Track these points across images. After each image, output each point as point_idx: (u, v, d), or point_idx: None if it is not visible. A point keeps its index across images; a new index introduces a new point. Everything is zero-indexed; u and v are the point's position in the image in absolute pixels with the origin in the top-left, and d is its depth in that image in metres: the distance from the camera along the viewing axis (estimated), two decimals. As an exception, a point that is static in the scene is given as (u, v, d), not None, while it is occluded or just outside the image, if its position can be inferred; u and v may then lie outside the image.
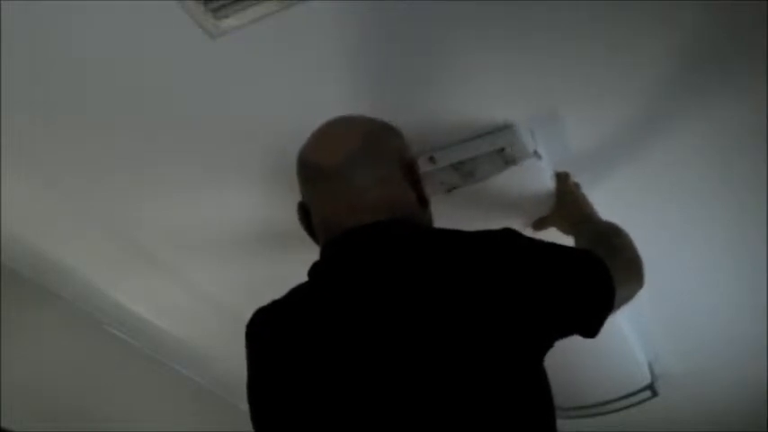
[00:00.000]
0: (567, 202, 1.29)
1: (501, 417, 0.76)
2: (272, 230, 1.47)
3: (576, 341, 0.89)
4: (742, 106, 1.23)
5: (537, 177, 1.28)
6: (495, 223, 1.29)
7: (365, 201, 0.92)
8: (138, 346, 1.84)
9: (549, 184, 1.30)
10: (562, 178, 1.31)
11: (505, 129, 1.23)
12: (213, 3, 0.99)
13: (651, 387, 1.91)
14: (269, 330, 0.91)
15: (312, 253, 0.97)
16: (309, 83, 1.17)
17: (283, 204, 1.31)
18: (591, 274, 0.89)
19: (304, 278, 0.96)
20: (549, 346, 0.84)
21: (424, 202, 0.99)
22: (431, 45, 1.09)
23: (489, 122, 1.23)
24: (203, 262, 1.61)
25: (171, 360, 1.92)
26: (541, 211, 1.34)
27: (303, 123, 1.25)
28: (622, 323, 1.59)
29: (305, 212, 0.99)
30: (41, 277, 1.61)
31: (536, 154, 1.24)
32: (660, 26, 1.07)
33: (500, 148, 1.22)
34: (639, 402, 1.94)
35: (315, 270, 0.93)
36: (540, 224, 1.35)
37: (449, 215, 1.25)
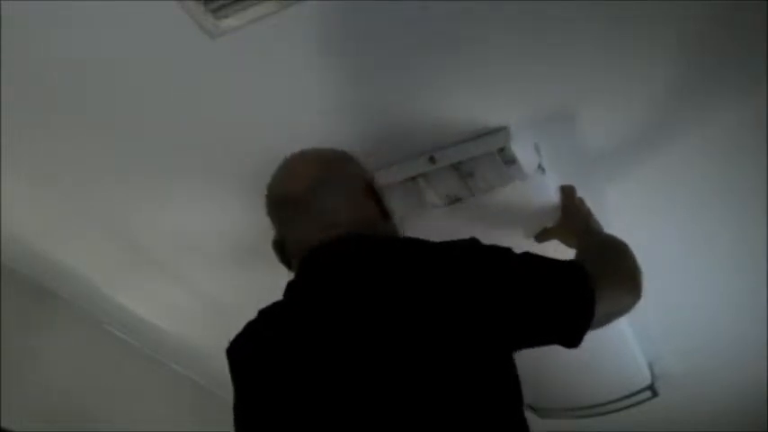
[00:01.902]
0: (571, 215, 1.29)
1: (467, 416, 0.77)
2: (272, 231, 1.47)
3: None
4: (745, 108, 1.23)
5: (541, 192, 1.29)
6: (498, 238, 1.32)
7: (332, 219, 0.97)
8: (138, 346, 1.84)
9: (553, 198, 1.30)
10: (567, 192, 1.30)
11: (502, 129, 1.23)
12: (213, 3, 0.99)
13: (651, 387, 1.91)
14: (247, 352, 0.92)
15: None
16: (309, 83, 1.17)
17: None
18: (562, 283, 0.88)
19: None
20: (515, 349, 0.85)
21: (386, 215, 1.05)
22: (432, 46, 1.09)
23: (488, 123, 1.23)
24: (203, 262, 1.61)
25: (171, 360, 1.92)
26: (545, 223, 1.34)
27: (303, 123, 1.26)
28: (623, 323, 1.59)
29: (280, 247, 1.03)
30: (41, 277, 1.61)
31: (540, 168, 1.24)
32: (664, 28, 1.07)
33: (499, 147, 1.22)
34: (640, 402, 1.94)
35: (288, 288, 0.96)
36: (543, 235, 1.35)
37: (451, 229, 1.26)
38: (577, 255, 1.13)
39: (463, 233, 1.21)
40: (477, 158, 1.25)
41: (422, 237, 1.17)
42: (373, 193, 1.04)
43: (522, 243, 1.31)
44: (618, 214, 1.29)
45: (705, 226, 1.51)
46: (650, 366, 1.91)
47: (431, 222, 1.30)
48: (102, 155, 1.30)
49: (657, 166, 1.37)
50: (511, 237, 1.32)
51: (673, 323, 1.80)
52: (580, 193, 1.32)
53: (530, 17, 1.05)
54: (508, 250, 0.90)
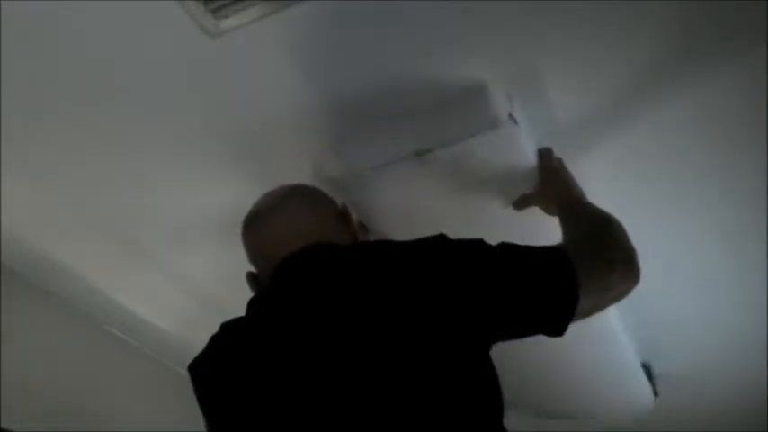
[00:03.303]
0: (550, 180, 1.21)
1: (445, 418, 0.76)
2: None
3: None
4: (731, 84, 1.21)
5: (514, 145, 1.19)
6: (473, 198, 1.27)
7: (300, 231, 0.97)
8: (138, 346, 1.84)
9: (529, 155, 1.22)
10: (545, 154, 1.24)
11: (480, 88, 1.19)
12: (213, 3, 1.00)
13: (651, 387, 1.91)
14: (213, 369, 0.89)
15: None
16: (309, 83, 1.17)
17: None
18: (541, 271, 0.85)
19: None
20: (497, 340, 0.84)
21: (356, 239, 1.06)
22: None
23: (465, 82, 1.20)
24: (204, 262, 1.61)
25: (171, 360, 1.92)
26: (522, 188, 1.25)
27: (303, 123, 1.26)
28: (616, 324, 1.58)
29: (254, 279, 1.03)
30: (41, 277, 1.61)
31: (511, 118, 1.16)
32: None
33: (476, 108, 1.19)
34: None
35: (251, 303, 0.94)
36: (521, 203, 1.26)
37: (422, 185, 1.24)
38: (563, 228, 1.08)
39: (435, 191, 1.20)
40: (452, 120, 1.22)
41: (392, 194, 1.18)
42: (345, 219, 1.06)
43: (500, 213, 1.28)
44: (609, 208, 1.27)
45: (706, 225, 1.51)
46: (650, 366, 1.91)
47: (400, 179, 1.25)
48: (103, 155, 1.30)
49: (649, 154, 1.36)
50: (489, 206, 1.28)
51: (672, 323, 1.80)
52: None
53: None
54: (480, 242, 0.87)
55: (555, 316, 0.84)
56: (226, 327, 0.92)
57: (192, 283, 1.67)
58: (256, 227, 1.02)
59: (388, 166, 1.23)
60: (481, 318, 0.81)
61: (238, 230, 1.09)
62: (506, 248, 0.87)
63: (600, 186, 1.37)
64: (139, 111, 1.21)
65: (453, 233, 0.91)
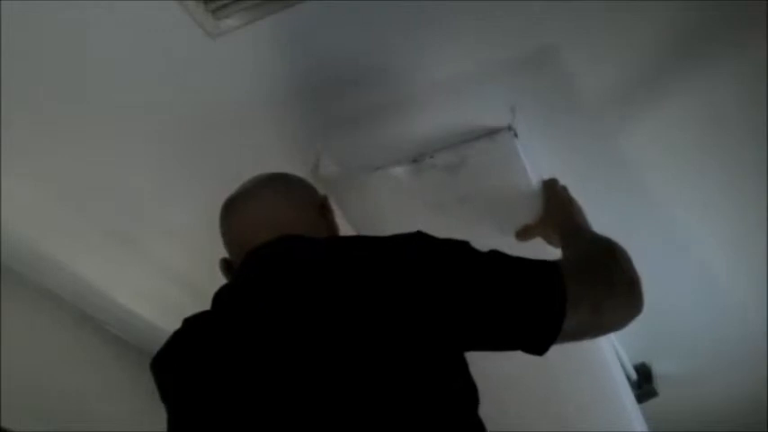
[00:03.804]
0: (554, 209, 1.18)
1: (415, 419, 0.72)
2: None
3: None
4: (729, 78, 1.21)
5: (511, 158, 1.18)
6: (468, 210, 1.24)
7: (270, 219, 0.93)
8: (137, 346, 1.84)
9: (528, 170, 1.20)
10: (549, 184, 1.22)
11: (502, 130, 1.19)
12: (213, 3, 1.00)
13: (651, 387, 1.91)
14: (175, 365, 0.86)
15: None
16: (309, 83, 1.17)
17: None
18: (526, 284, 0.78)
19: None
20: (470, 350, 0.79)
21: (334, 231, 1.02)
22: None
23: (488, 125, 1.20)
24: (205, 262, 1.61)
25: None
26: (519, 204, 1.23)
27: (302, 121, 1.26)
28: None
29: (226, 267, 0.99)
30: (41, 277, 1.61)
31: (510, 129, 1.14)
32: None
33: (475, 117, 1.18)
34: (639, 402, 1.93)
35: (217, 294, 0.91)
36: (524, 233, 1.23)
37: (418, 192, 1.22)
38: (564, 256, 1.02)
39: (430, 199, 1.18)
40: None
41: (386, 198, 1.16)
42: (324, 210, 1.02)
43: (496, 226, 1.26)
44: (610, 213, 1.26)
45: (705, 224, 1.50)
46: (650, 367, 1.91)
47: (395, 184, 1.24)
48: (103, 155, 1.30)
49: (650, 158, 1.36)
50: (484, 219, 1.26)
51: (672, 323, 1.80)
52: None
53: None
54: (464, 244, 0.82)
55: (536, 332, 0.78)
56: (188, 322, 0.89)
57: (192, 284, 1.66)
58: (231, 212, 0.99)
59: (385, 169, 1.23)
60: (452, 321, 0.76)
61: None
62: (494, 255, 0.82)
63: (600, 187, 1.37)
64: (139, 111, 1.21)
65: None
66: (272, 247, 0.88)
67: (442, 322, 0.75)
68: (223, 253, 1.01)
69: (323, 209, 1.02)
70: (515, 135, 1.16)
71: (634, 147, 1.32)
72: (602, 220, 1.21)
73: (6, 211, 1.39)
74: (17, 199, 1.37)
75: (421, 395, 0.73)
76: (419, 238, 0.82)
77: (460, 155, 1.20)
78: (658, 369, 1.95)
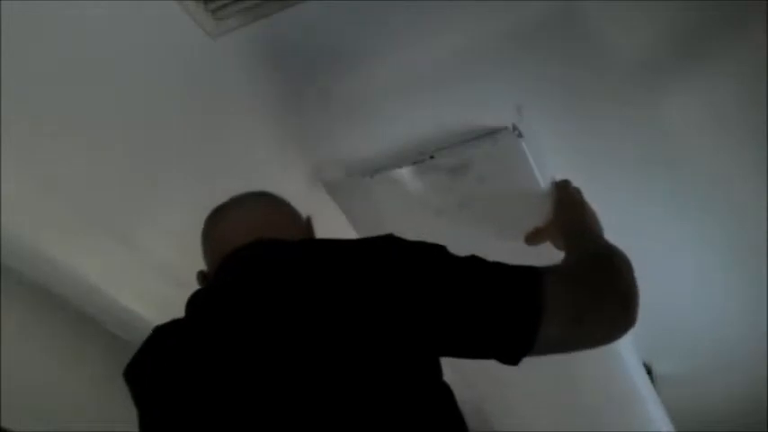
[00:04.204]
0: (564, 212, 1.14)
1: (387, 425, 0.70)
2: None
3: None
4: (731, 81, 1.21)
5: (517, 159, 1.15)
6: (473, 212, 1.23)
7: (250, 226, 0.91)
8: (137, 345, 1.83)
9: (535, 171, 1.18)
10: (561, 185, 1.19)
11: (502, 130, 1.18)
12: (213, 3, 1.00)
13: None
14: (147, 373, 0.85)
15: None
16: (309, 83, 1.17)
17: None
18: (499, 289, 0.75)
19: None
20: (441, 354, 0.76)
21: None
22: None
23: (488, 125, 1.21)
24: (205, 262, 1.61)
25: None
26: (526, 206, 1.20)
27: (302, 122, 1.26)
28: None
29: (203, 277, 0.97)
30: (41, 277, 1.61)
31: (515, 129, 1.12)
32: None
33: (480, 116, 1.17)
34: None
35: (190, 300, 0.88)
36: (533, 237, 1.19)
37: (422, 195, 1.21)
38: (559, 261, 0.94)
39: (435, 201, 1.16)
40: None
41: (390, 201, 1.15)
42: (307, 231, 0.99)
43: (501, 229, 1.24)
44: (611, 214, 1.26)
45: (705, 225, 1.50)
46: (650, 366, 1.91)
47: (399, 186, 1.22)
48: (103, 155, 1.30)
49: (652, 163, 1.36)
50: (489, 221, 1.24)
51: (672, 323, 1.80)
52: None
53: None
54: (439, 248, 0.79)
55: (508, 342, 0.74)
56: (158, 330, 0.87)
57: (192, 284, 1.66)
58: (212, 222, 0.98)
59: (387, 172, 1.21)
60: (420, 326, 0.73)
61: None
62: (470, 260, 0.78)
63: (600, 187, 1.37)
64: (139, 111, 1.21)
65: (449, 246, 0.81)
66: (248, 249, 0.86)
67: (410, 326, 0.73)
68: None
69: (306, 230, 1.00)
70: (520, 135, 1.14)
71: (635, 147, 1.32)
72: (602, 221, 1.22)
73: (6, 210, 1.39)
74: (17, 198, 1.37)
75: (389, 398, 0.71)
76: (391, 241, 0.79)
77: (464, 156, 1.17)
78: (658, 369, 1.95)
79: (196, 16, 1.01)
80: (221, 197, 1.41)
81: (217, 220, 0.98)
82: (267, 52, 1.10)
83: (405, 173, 1.23)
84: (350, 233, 1.36)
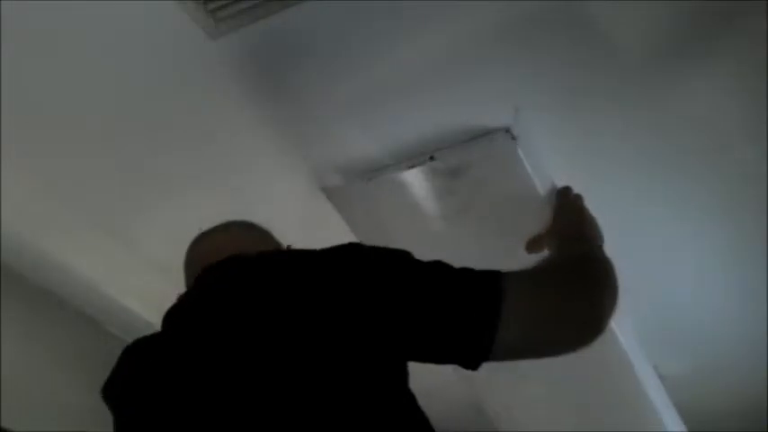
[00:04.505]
0: (561, 214, 1.14)
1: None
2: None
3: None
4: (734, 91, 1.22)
5: (512, 161, 1.15)
6: (471, 215, 1.23)
7: (227, 245, 0.92)
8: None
9: (532, 174, 1.18)
10: (562, 191, 1.18)
11: (501, 131, 1.19)
12: (213, 3, 0.99)
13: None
14: (120, 391, 0.87)
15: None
16: (309, 83, 1.17)
17: (288, 205, 1.31)
18: (457, 293, 0.74)
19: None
20: (404, 359, 0.76)
21: None
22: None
23: (487, 125, 1.21)
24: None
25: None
26: (523, 209, 1.19)
27: (302, 122, 1.26)
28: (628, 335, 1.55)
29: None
30: (41, 277, 1.61)
31: (509, 132, 1.11)
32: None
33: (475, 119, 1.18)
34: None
35: (164, 317, 0.90)
36: (533, 244, 1.17)
37: (419, 198, 1.21)
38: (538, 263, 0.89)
39: (432, 205, 1.15)
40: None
41: (388, 205, 1.15)
42: (275, 247, 1.00)
43: (498, 233, 1.24)
44: (613, 214, 1.25)
45: (704, 226, 1.50)
46: (655, 368, 1.91)
47: (397, 190, 1.23)
48: (103, 155, 1.30)
49: (653, 165, 1.36)
50: (487, 225, 1.25)
51: (673, 324, 1.80)
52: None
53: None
54: (402, 255, 0.79)
55: (465, 347, 0.74)
56: (131, 347, 0.90)
57: (192, 283, 1.66)
58: (188, 251, 1.01)
59: (385, 177, 1.22)
60: (380, 333, 0.73)
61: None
62: (432, 266, 0.78)
63: (601, 186, 1.37)
64: (139, 111, 1.21)
65: (448, 249, 0.82)
66: (215, 266, 0.86)
67: (371, 332, 0.73)
68: None
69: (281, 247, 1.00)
70: (513, 138, 1.14)
71: (635, 147, 1.32)
72: (603, 221, 1.22)
73: (6, 210, 1.39)
74: (16, 198, 1.37)
75: (352, 405, 0.71)
76: (353, 249, 0.79)
77: (462, 159, 1.17)
78: (659, 370, 1.95)
79: (196, 16, 1.01)
80: (221, 196, 1.42)
81: (191, 248, 1.01)
82: (266, 53, 1.10)
83: (403, 177, 1.23)
84: (350, 238, 1.36)
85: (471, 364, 0.75)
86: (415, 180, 1.21)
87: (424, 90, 1.19)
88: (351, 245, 0.80)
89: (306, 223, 1.44)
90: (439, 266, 0.78)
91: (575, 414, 1.63)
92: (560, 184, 1.29)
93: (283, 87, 1.18)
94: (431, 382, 0.78)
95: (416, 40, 1.09)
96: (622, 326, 1.59)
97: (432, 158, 1.24)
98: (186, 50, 1.08)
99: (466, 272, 0.77)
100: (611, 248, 1.12)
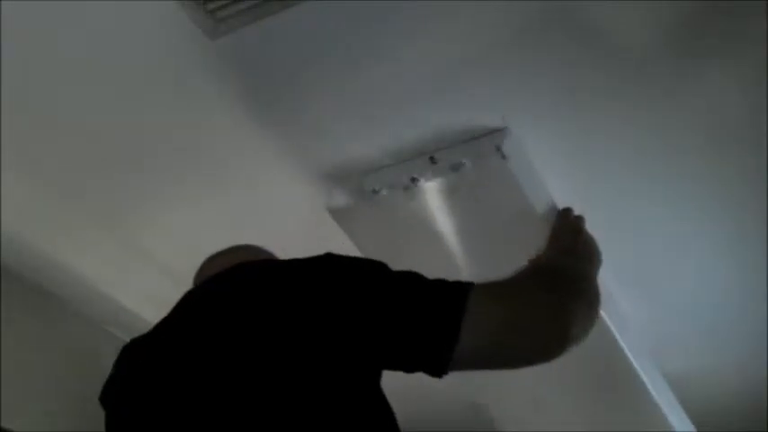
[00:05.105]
0: (559, 234, 1.14)
1: None
2: (275, 229, 1.47)
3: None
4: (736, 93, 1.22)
5: (503, 179, 1.17)
6: (468, 232, 1.25)
7: (221, 266, 0.92)
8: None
9: (525, 191, 1.19)
10: (563, 213, 1.19)
11: (501, 131, 1.20)
12: (213, 3, 0.99)
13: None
14: (114, 396, 0.89)
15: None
16: (310, 84, 1.17)
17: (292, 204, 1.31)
18: (421, 301, 0.75)
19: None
20: (375, 369, 0.77)
21: None
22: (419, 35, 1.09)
23: (487, 125, 1.22)
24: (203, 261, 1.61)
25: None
26: (529, 237, 1.16)
27: (301, 122, 1.26)
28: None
29: None
30: (41, 277, 1.61)
31: (499, 151, 1.12)
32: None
33: (498, 149, 1.18)
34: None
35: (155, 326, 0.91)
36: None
37: (417, 215, 1.24)
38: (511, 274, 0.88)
39: (429, 222, 1.18)
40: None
41: (384, 223, 1.17)
42: None
43: (494, 250, 1.25)
44: (614, 214, 1.26)
45: (704, 225, 1.50)
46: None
47: (392, 208, 1.27)
48: (102, 155, 1.30)
49: (652, 166, 1.36)
50: (484, 242, 1.27)
51: (672, 323, 1.80)
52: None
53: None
54: (376, 265, 0.80)
55: (428, 354, 0.74)
56: (125, 349, 0.92)
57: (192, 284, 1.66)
58: (199, 270, 1.02)
59: (384, 194, 1.25)
60: (350, 343, 0.74)
61: (240, 230, 1.09)
62: (403, 276, 0.79)
63: (601, 186, 1.37)
64: (138, 111, 1.21)
65: (447, 264, 0.83)
66: (211, 279, 0.88)
67: (339, 341, 0.74)
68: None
69: None
70: (503, 157, 1.15)
71: (635, 148, 1.32)
72: (603, 221, 1.22)
73: (6, 210, 1.39)
74: (17, 198, 1.37)
75: (323, 413, 0.72)
76: (326, 260, 0.80)
77: (455, 177, 1.19)
78: (659, 369, 1.95)
79: (196, 16, 1.01)
80: (221, 197, 1.42)
81: (202, 267, 1.02)
82: (266, 53, 1.10)
83: (400, 196, 1.25)
84: (351, 247, 1.36)
85: (435, 372, 0.75)
86: (414, 200, 1.23)
87: (424, 90, 1.19)
88: (327, 255, 0.81)
89: (303, 221, 1.45)
90: (409, 277, 0.79)
91: (574, 414, 1.63)
92: (560, 183, 1.29)
93: (283, 87, 1.18)
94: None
95: (416, 40, 1.09)
96: (623, 325, 1.60)
97: (432, 159, 1.24)
98: (186, 50, 1.08)
99: (435, 283, 0.78)
100: (611, 248, 1.13)
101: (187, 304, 0.87)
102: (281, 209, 1.45)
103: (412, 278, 0.79)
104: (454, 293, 0.76)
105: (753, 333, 1.80)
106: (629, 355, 1.50)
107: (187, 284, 0.98)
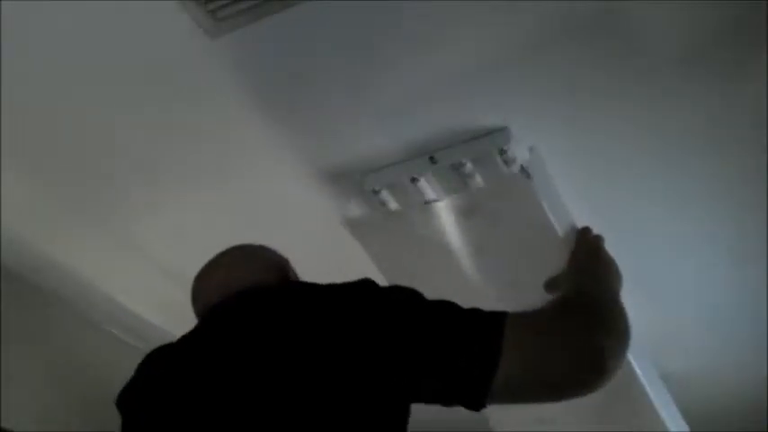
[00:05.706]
0: (579, 255, 1.13)
1: None
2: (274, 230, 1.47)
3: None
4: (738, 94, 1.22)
5: (527, 199, 1.17)
6: (487, 252, 1.23)
7: (225, 281, 0.93)
8: (138, 346, 1.84)
9: (548, 212, 1.18)
10: (582, 232, 1.18)
11: (502, 130, 1.21)
12: (213, 3, 1.00)
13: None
14: (134, 402, 0.88)
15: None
16: (310, 84, 1.17)
17: (296, 203, 1.31)
18: (458, 332, 0.75)
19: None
20: (409, 400, 0.76)
21: None
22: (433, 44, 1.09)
23: (487, 125, 1.23)
24: (203, 261, 1.61)
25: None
26: (550, 258, 1.16)
27: (302, 122, 1.26)
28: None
29: None
30: (41, 277, 1.61)
31: (523, 171, 1.13)
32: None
33: (499, 149, 1.20)
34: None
35: (180, 338, 0.92)
36: (550, 285, 1.14)
37: (436, 233, 1.23)
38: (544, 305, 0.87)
39: (448, 240, 1.16)
40: (477, 159, 1.23)
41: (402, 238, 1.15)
42: (283, 272, 1.00)
43: (514, 270, 1.24)
44: (616, 215, 1.26)
45: (705, 226, 1.50)
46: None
47: (410, 224, 1.26)
48: (102, 155, 1.30)
49: (655, 167, 1.37)
50: (504, 262, 1.25)
51: (672, 323, 1.80)
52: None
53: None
54: (411, 294, 0.80)
55: (463, 388, 0.74)
56: (151, 356, 0.92)
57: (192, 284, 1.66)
58: (195, 284, 1.02)
59: (388, 197, 1.27)
60: (385, 372, 0.74)
61: (240, 230, 1.09)
62: (437, 306, 0.79)
63: (601, 186, 1.37)
64: (139, 110, 1.21)
65: (467, 284, 0.80)
66: (231, 300, 0.88)
67: (373, 372, 0.74)
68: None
69: (285, 270, 1.01)
70: (528, 176, 1.14)
71: (635, 149, 1.32)
72: (603, 221, 1.22)
73: (6, 210, 1.39)
74: (17, 198, 1.37)
75: None
76: (363, 286, 0.80)
77: (472, 198, 1.19)
78: (659, 370, 1.95)
79: (196, 16, 1.01)
80: (221, 197, 1.42)
81: (198, 281, 1.02)
82: (266, 53, 1.10)
83: (417, 214, 1.24)
84: (372, 268, 1.36)
85: (473, 405, 0.75)
86: (430, 220, 1.23)
87: (424, 90, 1.19)
88: (364, 282, 0.81)
89: (303, 220, 1.45)
90: (445, 306, 0.79)
91: (575, 413, 1.63)
92: (560, 183, 1.29)
93: (283, 87, 1.18)
94: (435, 407, 0.79)
95: (416, 40, 1.09)
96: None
97: (432, 159, 1.24)
98: (186, 50, 1.08)
99: (471, 312, 0.78)
100: (611, 248, 1.13)
101: (222, 318, 0.87)
102: (281, 208, 1.45)
103: (448, 308, 0.78)
104: (492, 327, 0.75)
105: (753, 333, 1.80)
106: (629, 355, 1.50)
107: (187, 284, 0.98)
